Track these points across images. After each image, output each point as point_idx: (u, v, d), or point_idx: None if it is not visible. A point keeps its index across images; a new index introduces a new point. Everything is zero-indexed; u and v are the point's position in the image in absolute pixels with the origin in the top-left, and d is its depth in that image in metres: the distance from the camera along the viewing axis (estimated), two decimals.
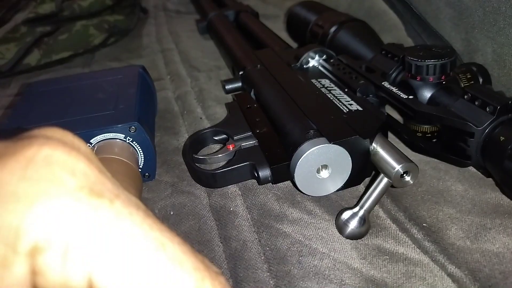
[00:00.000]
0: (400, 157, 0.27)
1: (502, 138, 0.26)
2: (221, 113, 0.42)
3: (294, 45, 0.55)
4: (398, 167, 0.26)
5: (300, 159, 0.27)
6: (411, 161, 0.27)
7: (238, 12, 0.66)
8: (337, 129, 0.29)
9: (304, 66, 0.42)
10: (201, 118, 0.42)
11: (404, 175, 0.27)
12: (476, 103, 0.28)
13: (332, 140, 0.28)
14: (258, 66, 0.42)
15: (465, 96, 0.29)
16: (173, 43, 0.64)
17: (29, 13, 0.87)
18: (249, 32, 0.59)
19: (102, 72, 0.41)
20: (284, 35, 0.60)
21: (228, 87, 0.44)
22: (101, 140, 0.32)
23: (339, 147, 0.28)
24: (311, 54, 0.42)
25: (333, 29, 0.46)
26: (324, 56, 0.42)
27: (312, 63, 0.42)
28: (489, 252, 0.25)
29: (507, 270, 0.24)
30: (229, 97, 0.45)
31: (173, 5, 0.90)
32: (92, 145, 0.31)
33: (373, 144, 0.29)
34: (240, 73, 0.44)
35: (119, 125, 0.31)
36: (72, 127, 0.31)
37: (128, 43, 0.67)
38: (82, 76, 0.41)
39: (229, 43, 0.52)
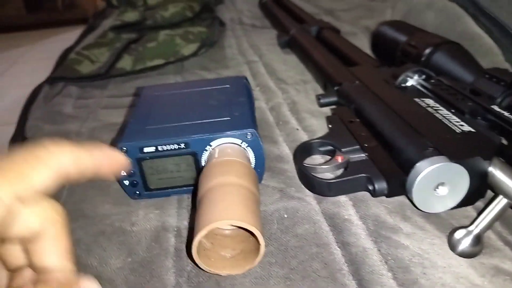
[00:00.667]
0: None
1: None
2: (316, 125, 0.44)
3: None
4: None
5: (420, 176, 0.28)
6: None
7: (320, 28, 0.68)
8: (457, 148, 0.30)
9: (403, 85, 0.43)
10: (297, 129, 0.44)
11: None
12: None
13: (453, 158, 0.29)
14: (356, 82, 0.44)
15: None
16: (256, 55, 0.67)
17: (114, 20, 0.94)
18: (334, 48, 0.61)
19: (209, 81, 0.44)
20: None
21: (322, 101, 0.45)
22: (221, 144, 0.34)
23: (460, 166, 0.29)
24: (410, 73, 0.43)
25: (428, 50, 0.47)
26: (423, 76, 0.43)
27: (411, 82, 0.43)
28: None
29: None
30: (323, 111, 0.46)
31: (248, 19, 0.94)
32: (212, 147, 0.34)
33: (491, 165, 0.29)
34: (335, 88, 0.45)
35: (238, 131, 0.34)
36: (194, 130, 0.34)
37: (213, 54, 0.70)
38: (192, 83, 0.44)
39: (319, 59, 0.54)
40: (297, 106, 0.48)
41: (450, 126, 0.33)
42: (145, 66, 0.63)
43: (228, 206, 0.26)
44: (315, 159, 0.38)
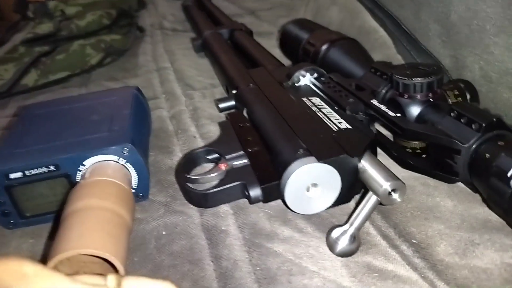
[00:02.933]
0: (388, 175, 0.27)
1: (487, 155, 0.26)
2: (214, 131, 0.43)
3: (287, 62, 0.56)
4: (385, 185, 0.27)
5: (289, 178, 0.28)
6: (399, 179, 0.27)
7: (232, 30, 0.67)
8: (325, 148, 0.29)
9: (296, 84, 0.43)
10: (195, 137, 0.43)
11: (392, 192, 0.27)
12: (462, 120, 0.29)
13: (320, 158, 0.28)
14: (251, 85, 0.43)
15: (452, 114, 0.30)
16: (168, 61, 0.65)
17: (27, 33, 0.89)
18: (243, 50, 0.60)
19: (97, 94, 0.42)
20: (277, 52, 0.61)
21: (221, 105, 0.44)
22: (95, 162, 0.32)
23: (328, 165, 0.28)
24: (302, 72, 0.43)
25: (324, 47, 0.47)
26: (315, 74, 0.43)
27: (304, 81, 0.43)
28: (478, 268, 0.26)
29: (494, 286, 0.24)
30: (222, 116, 0.45)
31: (170, 23, 0.92)
32: (86, 167, 0.32)
33: (361, 162, 0.29)
34: (233, 92, 0.45)
35: (112, 147, 0.32)
36: (65, 149, 0.32)
37: (125, 62, 0.68)
38: (78, 98, 0.41)
39: (223, 62, 0.53)
40: (198, 112, 0.47)
41: (329, 124, 0.33)
42: (48, 81, 0.60)
43: (82, 233, 0.25)
44: (206, 168, 0.37)
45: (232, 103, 0.44)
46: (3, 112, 0.56)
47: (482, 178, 0.27)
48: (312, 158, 0.29)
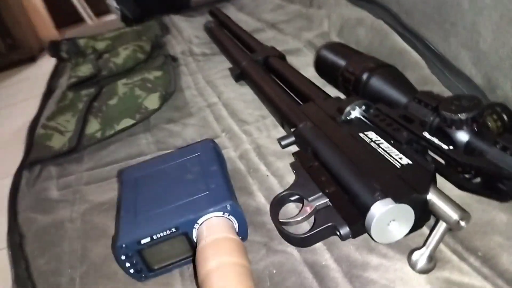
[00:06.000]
0: (454, 207, 0.34)
1: None
2: (283, 168, 0.50)
3: (322, 82, 0.61)
4: (454, 217, 0.33)
5: (374, 220, 0.35)
6: (464, 210, 0.34)
7: (267, 57, 0.73)
8: (398, 188, 0.36)
9: (348, 118, 0.49)
10: (267, 175, 0.49)
11: (460, 221, 0.34)
12: (508, 152, 0.35)
13: (396, 200, 0.35)
14: (308, 123, 0.49)
15: (497, 146, 0.36)
16: (215, 95, 0.72)
17: (69, 77, 0.96)
18: (283, 78, 0.66)
19: (180, 152, 0.48)
20: (311, 71, 0.66)
21: (283, 143, 0.51)
22: (206, 219, 0.39)
23: (404, 204, 0.35)
24: (352, 106, 0.49)
25: (364, 76, 0.53)
26: (364, 107, 0.49)
27: (354, 114, 0.49)
28: None
29: None
30: (286, 151, 0.52)
31: (197, 47, 0.98)
32: (199, 224, 0.39)
33: (429, 195, 0.36)
34: (292, 129, 0.51)
35: (218, 206, 0.39)
36: (180, 213, 0.39)
37: (174, 100, 0.74)
38: (165, 158, 0.48)
39: (271, 97, 0.59)
40: (262, 149, 0.54)
41: (391, 161, 0.40)
42: (115, 131, 0.67)
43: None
44: (289, 207, 0.44)
45: (293, 139, 0.51)
46: (81, 166, 0.64)
47: None
48: (389, 200, 0.35)
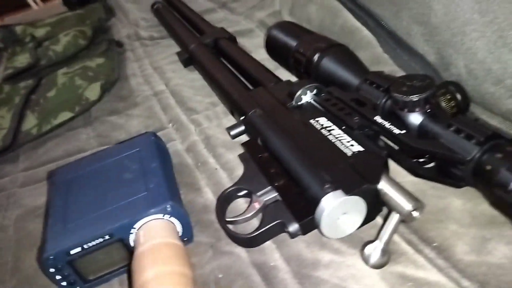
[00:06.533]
0: (407, 197, 0.32)
1: (488, 167, 0.31)
2: (233, 160, 0.46)
3: (275, 65, 0.58)
4: (407, 207, 0.31)
5: (323, 214, 0.32)
6: (417, 199, 0.32)
7: (216, 39, 0.68)
8: (349, 179, 0.33)
9: (299, 103, 0.46)
10: (216, 168, 0.46)
11: (413, 211, 0.31)
12: (462, 134, 0.33)
13: (348, 192, 0.32)
14: (257, 110, 0.46)
15: (451, 128, 0.34)
16: (162, 82, 0.67)
17: (5, 68, 0.88)
18: (232, 60, 0.62)
19: (118, 147, 0.44)
20: (263, 53, 0.63)
21: (232, 133, 0.47)
22: (144, 223, 0.35)
23: (355, 196, 0.32)
24: (303, 91, 0.46)
25: (316, 56, 0.50)
26: (315, 91, 0.46)
27: (305, 99, 0.46)
28: (493, 264, 0.31)
29: (509, 280, 0.29)
30: (236, 141, 0.48)
31: (145, 31, 0.92)
32: (136, 229, 0.35)
33: (381, 184, 0.33)
34: (241, 118, 0.48)
35: (155, 207, 0.35)
36: (114, 217, 0.35)
37: (118, 89, 0.69)
38: (101, 155, 0.44)
39: (221, 83, 0.55)
40: (211, 141, 0.50)
41: (342, 149, 0.37)
42: (52, 126, 0.61)
43: None
44: (238, 202, 0.41)
45: (242, 128, 0.47)
46: (16, 166, 0.58)
47: (486, 187, 0.31)
48: (340, 192, 0.33)
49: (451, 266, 0.32)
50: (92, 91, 0.67)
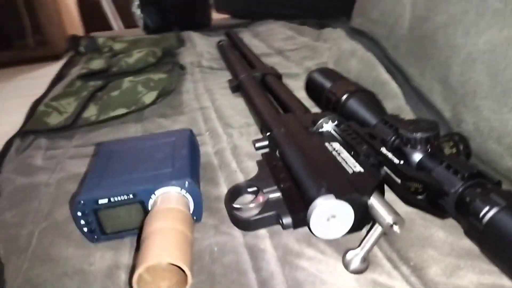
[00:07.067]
0: (390, 211, 0.36)
1: (467, 199, 0.34)
2: (252, 167, 0.52)
3: (312, 104, 0.65)
4: (388, 219, 0.35)
5: (314, 211, 0.37)
6: (399, 215, 0.35)
7: (264, 74, 0.77)
8: (342, 187, 0.38)
9: (320, 130, 0.52)
10: (235, 171, 0.52)
11: (393, 225, 0.35)
12: (450, 170, 0.37)
13: (338, 196, 0.37)
14: (282, 129, 0.52)
15: (443, 164, 0.38)
16: (209, 101, 0.75)
17: (81, 68, 1.02)
18: (274, 94, 0.70)
19: (158, 135, 0.52)
20: (303, 94, 0.70)
21: (257, 145, 0.53)
22: (163, 192, 0.41)
23: (343, 201, 0.37)
24: (325, 120, 0.52)
25: (344, 97, 0.56)
26: (336, 122, 0.52)
27: (326, 127, 0.52)
28: (458, 285, 0.33)
29: None
30: (259, 153, 0.54)
31: (207, 61, 1.03)
32: (156, 196, 0.41)
33: (370, 199, 0.38)
34: (267, 134, 0.54)
35: (176, 181, 0.41)
36: (140, 182, 0.42)
37: (171, 100, 0.78)
38: (143, 138, 0.51)
39: (258, 105, 0.63)
40: (238, 149, 0.57)
41: (346, 167, 0.42)
42: (108, 116, 0.71)
43: (162, 247, 0.34)
44: (246, 198, 0.46)
45: (266, 143, 0.53)
46: (70, 142, 0.67)
47: (464, 216, 0.35)
48: (331, 196, 0.37)
49: (422, 283, 0.34)
50: (149, 97, 0.77)
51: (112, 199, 0.41)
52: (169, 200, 0.40)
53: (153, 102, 0.74)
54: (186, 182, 0.41)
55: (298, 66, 0.91)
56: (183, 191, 0.42)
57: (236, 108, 0.71)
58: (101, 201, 0.41)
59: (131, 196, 0.41)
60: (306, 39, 1.08)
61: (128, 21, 2.42)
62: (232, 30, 1.24)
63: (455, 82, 0.48)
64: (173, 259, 0.33)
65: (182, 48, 1.18)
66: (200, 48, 1.14)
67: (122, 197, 0.41)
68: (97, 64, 1.01)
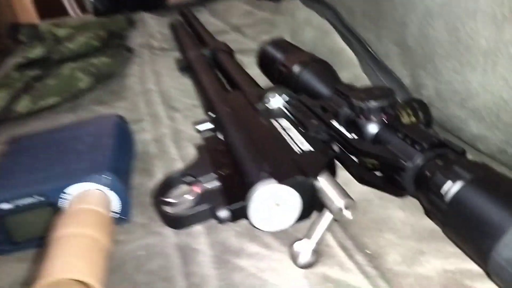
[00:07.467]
0: (341, 194, 0.30)
1: (427, 173, 0.29)
2: (194, 153, 0.46)
3: (265, 80, 0.59)
4: (337, 203, 0.30)
5: (252, 199, 0.31)
6: (350, 197, 0.30)
7: (215, 51, 0.70)
8: (285, 170, 0.32)
9: (269, 107, 0.46)
10: (175, 159, 0.46)
11: (344, 210, 0.30)
12: (408, 141, 0.32)
13: (280, 180, 0.31)
14: (227, 109, 0.46)
15: (399, 135, 0.33)
16: (154, 83, 0.68)
17: (18, 57, 0.92)
18: (224, 70, 0.63)
19: (81, 123, 0.45)
20: (258, 70, 0.64)
21: (200, 128, 0.47)
22: (79, 191, 0.35)
23: (287, 186, 0.31)
24: (272, 94, 0.46)
25: (296, 69, 0.50)
26: (285, 96, 0.46)
27: (276, 103, 0.46)
28: (421, 275, 0.29)
29: None
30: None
31: (158, 42, 0.95)
32: (69, 195, 0.35)
33: (318, 181, 0.32)
34: (211, 115, 0.48)
35: (92, 176, 0.35)
36: (49, 180, 0.35)
37: (113, 85, 0.71)
38: (63, 128, 0.44)
39: (204, 84, 0.56)
40: (180, 134, 0.50)
41: (293, 146, 0.36)
42: (38, 107, 0.63)
43: (65, 259, 0.28)
44: (182, 190, 0.40)
45: (210, 125, 0.47)
46: None
47: (424, 193, 0.30)
48: (273, 180, 0.31)
49: (379, 274, 0.30)
50: (85, 83, 0.69)
51: (17, 203, 0.34)
52: (84, 199, 0.34)
53: (89, 88, 0.66)
54: (105, 177, 0.35)
55: (254, 41, 0.84)
56: (103, 188, 0.35)
57: (184, 90, 0.65)
58: (4, 206, 0.34)
59: (37, 197, 0.34)
60: (264, 14, 1.01)
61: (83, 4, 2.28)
62: (187, 8, 1.15)
63: (413, 43, 0.42)
64: (77, 274, 0.27)
65: (133, 30, 1.09)
66: (151, 29, 1.05)
67: (29, 200, 0.34)
68: (36, 52, 0.92)
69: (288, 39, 0.75)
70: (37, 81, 0.79)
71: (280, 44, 0.60)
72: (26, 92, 0.72)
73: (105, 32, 0.96)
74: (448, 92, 0.39)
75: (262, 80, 0.58)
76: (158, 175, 0.43)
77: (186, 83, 0.67)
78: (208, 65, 0.66)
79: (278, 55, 0.56)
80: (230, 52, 0.71)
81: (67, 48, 0.90)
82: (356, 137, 0.36)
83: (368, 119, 0.36)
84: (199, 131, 0.47)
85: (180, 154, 0.46)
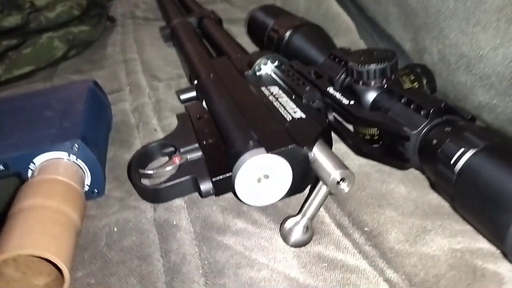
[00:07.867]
0: (336, 164, 0.27)
1: (434, 141, 0.26)
2: (175, 123, 0.42)
3: (255, 49, 0.55)
4: (334, 174, 0.26)
5: (239, 170, 0.28)
6: (347, 168, 0.27)
7: (201, 18, 0.66)
8: (276, 139, 0.29)
9: (258, 73, 0.42)
10: (155, 129, 0.42)
11: (341, 182, 0.27)
12: (412, 106, 0.29)
13: (270, 149, 0.28)
14: (211, 75, 0.42)
15: (402, 100, 0.29)
16: (136, 52, 0.64)
17: None
18: (211, 39, 0.59)
19: (52, 89, 0.41)
20: (247, 40, 0.60)
21: (182, 97, 0.43)
22: (46, 160, 0.31)
23: (277, 156, 0.28)
24: (263, 60, 0.42)
25: (287, 34, 0.46)
26: (277, 62, 0.42)
27: (265, 69, 0.42)
28: (426, 255, 0.26)
29: (440, 273, 0.24)
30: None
31: (141, 12, 0.90)
32: (36, 165, 0.31)
33: (312, 151, 0.29)
34: (195, 82, 0.44)
35: (61, 144, 0.31)
36: (14, 148, 0.31)
37: (92, 54, 0.66)
38: (33, 94, 0.40)
39: (188, 51, 0.52)
40: (161, 104, 0.46)
41: (284, 114, 0.33)
42: (12, 76, 0.58)
43: (25, 233, 0.24)
44: (162, 161, 0.36)
45: (194, 94, 0.43)
46: None
47: (430, 164, 0.27)
48: (262, 149, 0.28)
49: (379, 254, 0.27)
50: (62, 51, 0.64)
51: None
52: (51, 169, 0.30)
53: (65, 56, 0.62)
54: (75, 145, 0.31)
55: (244, 11, 0.80)
56: (73, 157, 0.32)
57: (167, 59, 0.60)
58: None
59: (1, 168, 0.31)
60: None
61: None
62: None
63: (415, 3, 0.39)
64: (37, 249, 0.23)
65: (116, 1, 1.03)
66: None
67: None
68: (12, 20, 0.86)
69: (279, 5, 0.71)
70: (12, 50, 0.74)
71: (270, 9, 0.56)
72: (1, 61, 0.67)
73: (86, 1, 0.90)
74: (453, 56, 0.36)
75: (251, 49, 0.54)
76: (137, 147, 0.40)
77: (170, 53, 0.63)
78: (194, 32, 0.61)
79: (268, 20, 0.52)
80: (217, 20, 0.67)
81: (45, 17, 0.85)
82: (351, 102, 0.33)
83: (367, 85, 0.33)
84: (181, 99, 0.43)
85: (162, 125, 0.43)
